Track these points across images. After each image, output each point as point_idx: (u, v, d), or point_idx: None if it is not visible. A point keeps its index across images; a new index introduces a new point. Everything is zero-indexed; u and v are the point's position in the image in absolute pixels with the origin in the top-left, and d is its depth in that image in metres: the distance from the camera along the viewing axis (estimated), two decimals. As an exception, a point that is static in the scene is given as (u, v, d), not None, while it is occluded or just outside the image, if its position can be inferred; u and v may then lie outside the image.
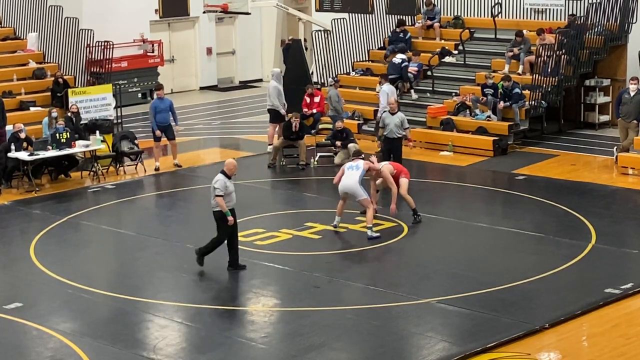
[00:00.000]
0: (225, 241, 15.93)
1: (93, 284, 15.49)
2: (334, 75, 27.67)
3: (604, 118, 26.21)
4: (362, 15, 28.96)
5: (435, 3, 28.46)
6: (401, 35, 27.75)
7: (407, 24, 29.01)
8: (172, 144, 23.10)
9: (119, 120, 26.72)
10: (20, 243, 17.81)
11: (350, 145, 22.91)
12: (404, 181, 18.18)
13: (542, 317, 13.69)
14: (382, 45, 28.85)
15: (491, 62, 26.31)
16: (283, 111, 24.21)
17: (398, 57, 26.58)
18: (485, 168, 22.59)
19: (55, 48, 28.13)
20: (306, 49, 28.98)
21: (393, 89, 24.52)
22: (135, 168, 23.00)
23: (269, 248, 17.02)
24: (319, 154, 23.50)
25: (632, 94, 22.11)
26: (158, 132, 22.68)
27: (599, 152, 23.68)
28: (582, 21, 25.31)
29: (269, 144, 24.33)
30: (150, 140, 23.23)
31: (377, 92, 26.75)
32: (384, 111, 22.08)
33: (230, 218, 15.79)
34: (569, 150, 24.03)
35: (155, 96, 23.52)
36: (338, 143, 22.96)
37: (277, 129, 24.39)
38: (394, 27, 28.03)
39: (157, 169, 22.83)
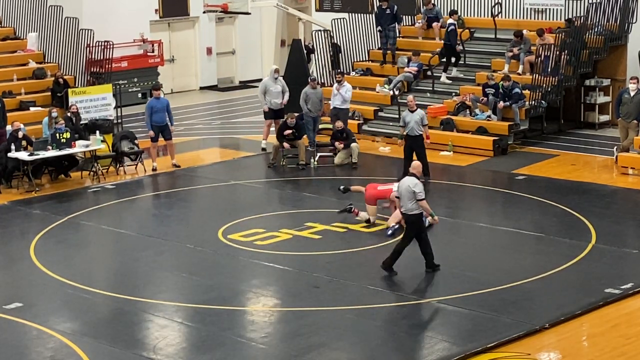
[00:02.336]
0: (419, 245, 15.58)
1: (93, 284, 15.49)
2: (311, 75, 27.48)
3: (604, 118, 26.21)
4: (362, 15, 28.96)
5: (435, 3, 28.45)
6: (387, 11, 27.33)
7: (407, 24, 29.05)
8: (169, 144, 23.07)
9: (119, 120, 26.72)
10: (20, 243, 17.80)
11: (353, 145, 22.88)
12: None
13: (542, 317, 13.69)
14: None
15: (491, 62, 26.31)
16: (265, 107, 24.49)
17: (448, 22, 26.40)
18: (485, 168, 22.59)
19: (55, 48, 28.12)
20: (336, 49, 28.98)
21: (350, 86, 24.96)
22: (135, 168, 22.99)
23: (269, 248, 17.02)
24: (319, 154, 23.50)
25: (632, 93, 22.11)
26: (151, 133, 22.67)
27: (599, 152, 23.68)
28: (582, 21, 25.31)
29: (263, 139, 24.70)
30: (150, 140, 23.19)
31: (377, 92, 26.86)
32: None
33: (437, 217, 15.68)
34: (569, 150, 24.02)
35: (152, 96, 23.55)
36: (338, 144, 22.93)
37: (272, 126, 24.53)
38: (378, 4, 27.70)
39: (154, 169, 22.82)
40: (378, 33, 28.04)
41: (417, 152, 21.22)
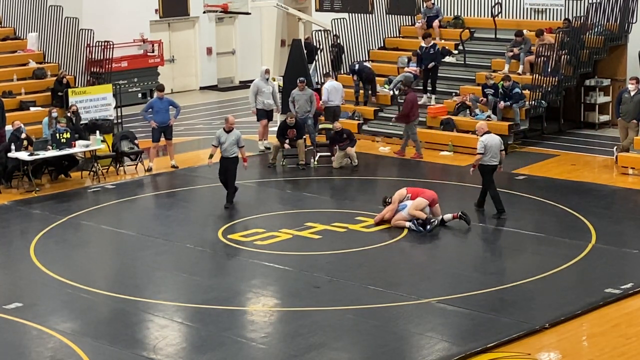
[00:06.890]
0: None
1: (93, 284, 15.49)
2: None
3: (604, 118, 26.21)
4: (362, 15, 28.96)
5: (435, 2, 28.44)
6: (357, 67, 26.60)
7: (407, 24, 29.01)
8: (168, 143, 23.09)
9: (119, 120, 26.73)
10: (20, 243, 17.80)
11: (350, 149, 22.62)
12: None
13: (542, 317, 13.69)
14: (382, 45, 28.85)
15: (491, 62, 26.29)
16: (254, 109, 24.36)
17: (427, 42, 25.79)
18: (485, 168, 22.55)
19: (55, 48, 28.12)
20: (339, 48, 28.97)
21: (339, 85, 24.88)
22: (135, 168, 22.99)
23: (269, 248, 17.02)
24: (318, 154, 23.48)
25: (632, 93, 22.11)
26: (153, 124, 22.59)
27: (599, 152, 23.68)
28: (582, 21, 25.31)
29: (258, 140, 24.59)
30: (151, 140, 23.16)
31: (378, 92, 26.82)
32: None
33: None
34: (569, 150, 24.03)
35: (155, 95, 23.56)
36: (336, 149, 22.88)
37: (266, 127, 24.56)
38: (352, 61, 27.38)
39: (149, 169, 22.81)
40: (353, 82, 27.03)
41: (229, 174, 19.70)
